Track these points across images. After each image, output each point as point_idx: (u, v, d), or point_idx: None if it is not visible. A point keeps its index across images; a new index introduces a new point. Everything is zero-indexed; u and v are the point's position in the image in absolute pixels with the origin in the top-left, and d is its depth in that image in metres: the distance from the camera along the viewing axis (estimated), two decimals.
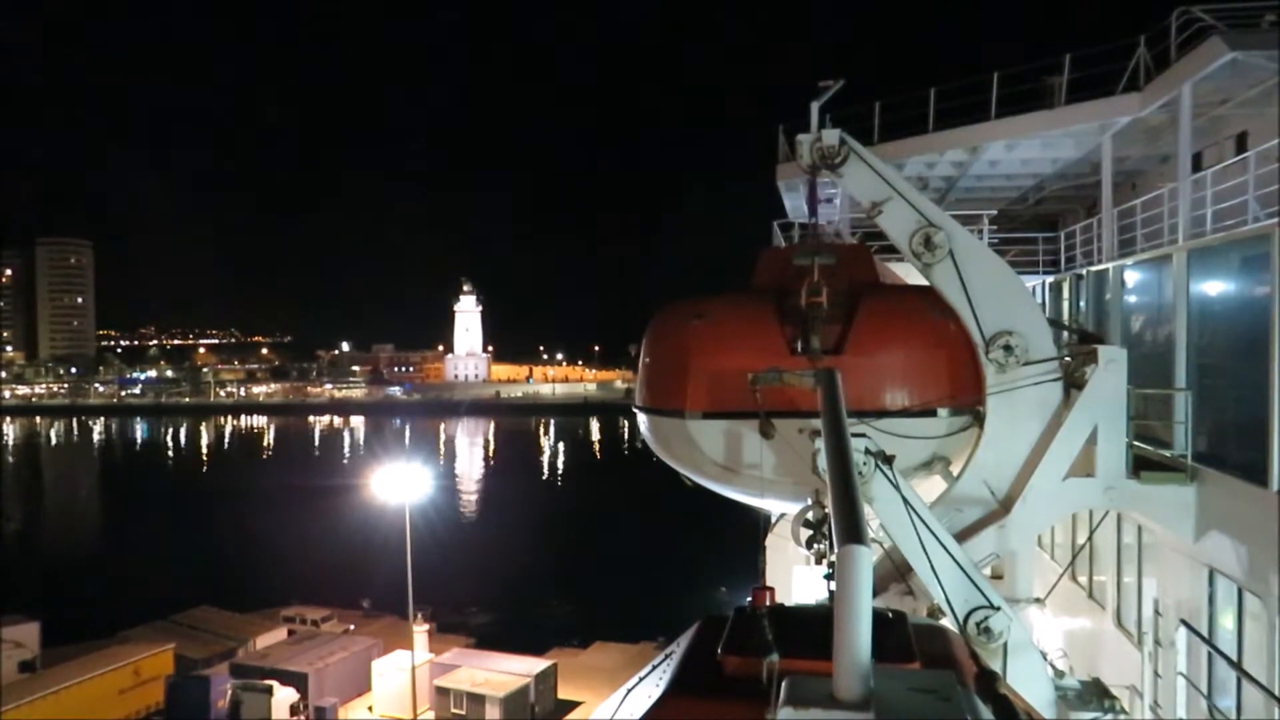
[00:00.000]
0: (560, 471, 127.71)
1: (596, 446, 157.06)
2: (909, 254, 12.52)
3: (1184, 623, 12.56)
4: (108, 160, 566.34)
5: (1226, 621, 11.75)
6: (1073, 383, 12.26)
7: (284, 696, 34.58)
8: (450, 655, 38.24)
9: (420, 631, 36.32)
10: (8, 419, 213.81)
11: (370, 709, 36.88)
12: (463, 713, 34.48)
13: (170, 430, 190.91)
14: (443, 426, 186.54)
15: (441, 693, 35.14)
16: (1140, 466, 12.25)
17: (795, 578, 17.56)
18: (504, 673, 35.83)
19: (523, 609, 52.75)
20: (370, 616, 49.30)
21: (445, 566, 56.24)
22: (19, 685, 34.71)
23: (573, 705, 36.79)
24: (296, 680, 35.66)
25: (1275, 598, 10.22)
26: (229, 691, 34.62)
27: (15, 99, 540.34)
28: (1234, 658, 11.44)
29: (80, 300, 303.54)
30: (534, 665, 36.81)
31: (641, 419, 13.97)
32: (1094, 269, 17.70)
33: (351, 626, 46.77)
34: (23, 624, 40.28)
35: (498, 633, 46.58)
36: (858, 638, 3.67)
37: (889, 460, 10.66)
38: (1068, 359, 12.55)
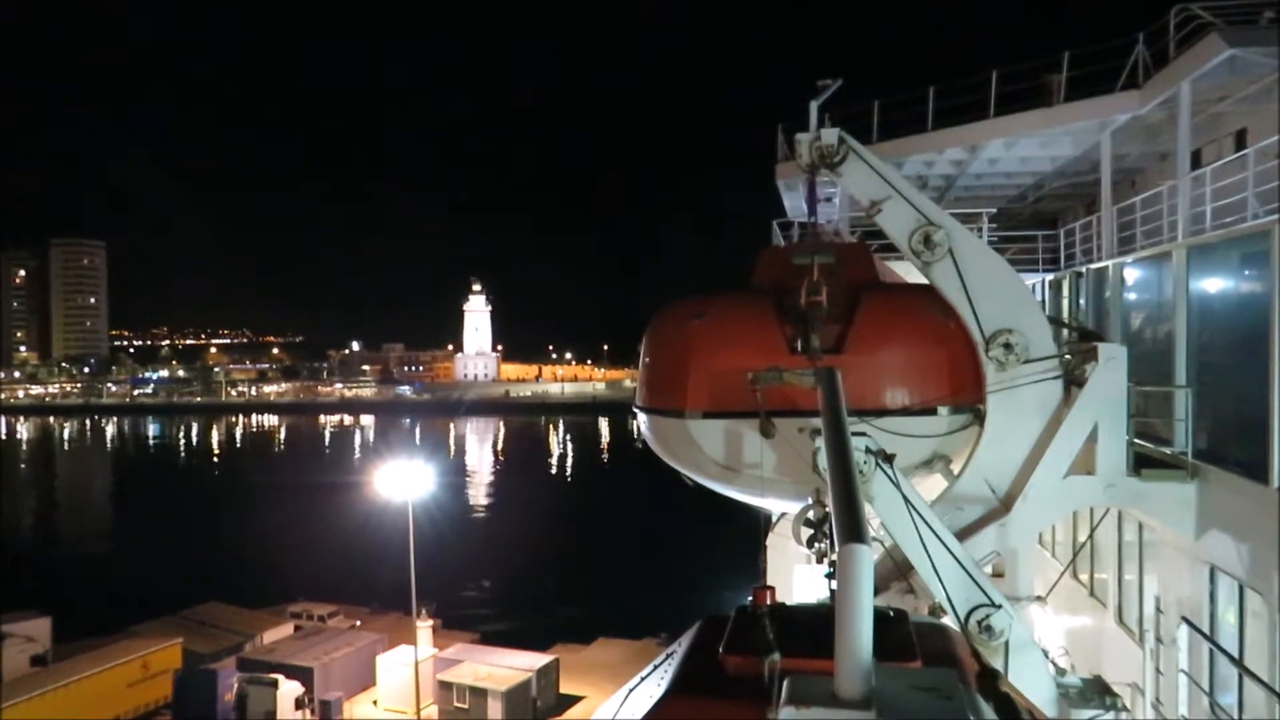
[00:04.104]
0: (567, 470, 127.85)
1: (604, 446, 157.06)
2: (908, 252, 12.52)
3: (1185, 620, 12.54)
4: (121, 162, 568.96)
5: (1228, 618, 11.72)
6: (1073, 380, 12.24)
7: (289, 690, 34.93)
8: (453, 650, 38.49)
9: (424, 627, 36.56)
10: (22, 418, 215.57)
11: (375, 703, 37.15)
12: (465, 707, 34.73)
13: (182, 429, 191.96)
14: (452, 426, 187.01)
15: (444, 687, 35.41)
16: (1141, 464, 12.21)
17: (796, 577, 17.52)
18: (506, 668, 36.06)
19: (527, 606, 52.92)
20: (376, 613, 49.62)
21: (452, 564, 56.51)
22: (30, 679, 35.13)
23: (575, 700, 37.01)
24: (302, 674, 35.99)
25: (1276, 595, 10.19)
26: (235, 685, 34.97)
27: (27, 99, 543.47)
28: (1235, 655, 11.42)
29: (93, 301, 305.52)
30: (536, 660, 37.05)
31: (642, 418, 14.00)
32: (1094, 266, 17.64)
33: (357, 622, 47.10)
34: (35, 619, 40.78)
35: (502, 629, 46.74)
36: (859, 636, 3.65)
37: (889, 459, 10.66)
38: (1068, 357, 12.52)
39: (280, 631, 43.89)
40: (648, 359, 13.76)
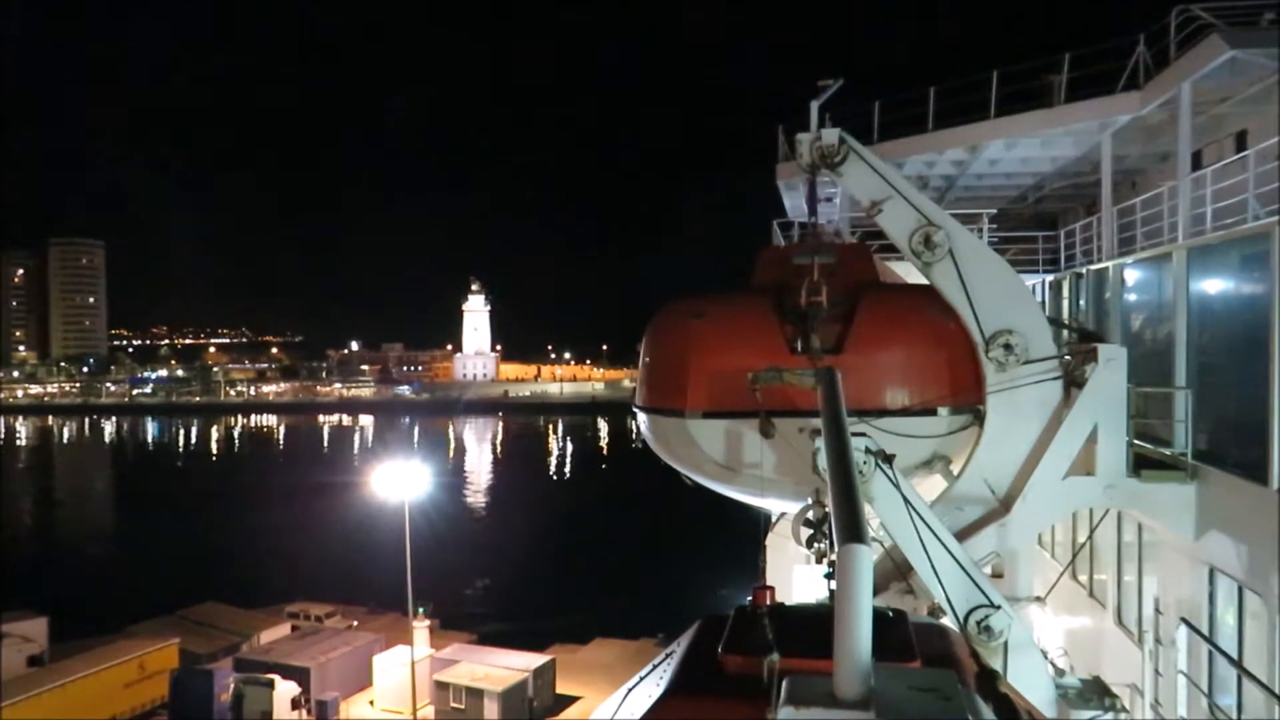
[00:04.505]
0: (565, 470, 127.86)
1: (603, 446, 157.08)
2: (909, 253, 12.52)
3: (1184, 621, 12.54)
4: (119, 161, 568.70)
5: (1227, 620, 11.73)
6: (1073, 381, 12.24)
7: (285, 690, 34.89)
8: (450, 650, 38.49)
9: (421, 627, 36.55)
10: (20, 418, 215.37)
11: (371, 703, 37.14)
12: (461, 707, 34.75)
13: (181, 429, 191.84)
14: (451, 426, 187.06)
15: (441, 687, 35.43)
16: (1140, 465, 12.23)
17: (796, 577, 17.52)
18: (503, 668, 36.10)
19: (525, 606, 52.88)
20: (374, 613, 49.59)
21: (450, 564, 56.52)
22: (26, 679, 35.06)
23: (571, 700, 37.03)
24: (298, 675, 35.96)
25: (1275, 596, 10.20)
26: (232, 685, 34.92)
27: (27, 99, 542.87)
28: (1235, 656, 11.42)
29: (92, 300, 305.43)
30: (532, 660, 37.09)
31: (642, 418, 13.99)
32: (1094, 267, 17.66)
33: (355, 623, 47.06)
34: (31, 619, 40.73)
35: (500, 629, 46.70)
36: (858, 636, 3.65)
37: (889, 459, 10.66)
38: (1068, 358, 12.54)
39: (277, 631, 43.86)
40: (647, 359, 13.75)
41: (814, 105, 13.13)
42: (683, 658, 5.84)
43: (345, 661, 37.99)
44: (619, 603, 50.17)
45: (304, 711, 35.37)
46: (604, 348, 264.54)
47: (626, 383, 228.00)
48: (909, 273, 14.34)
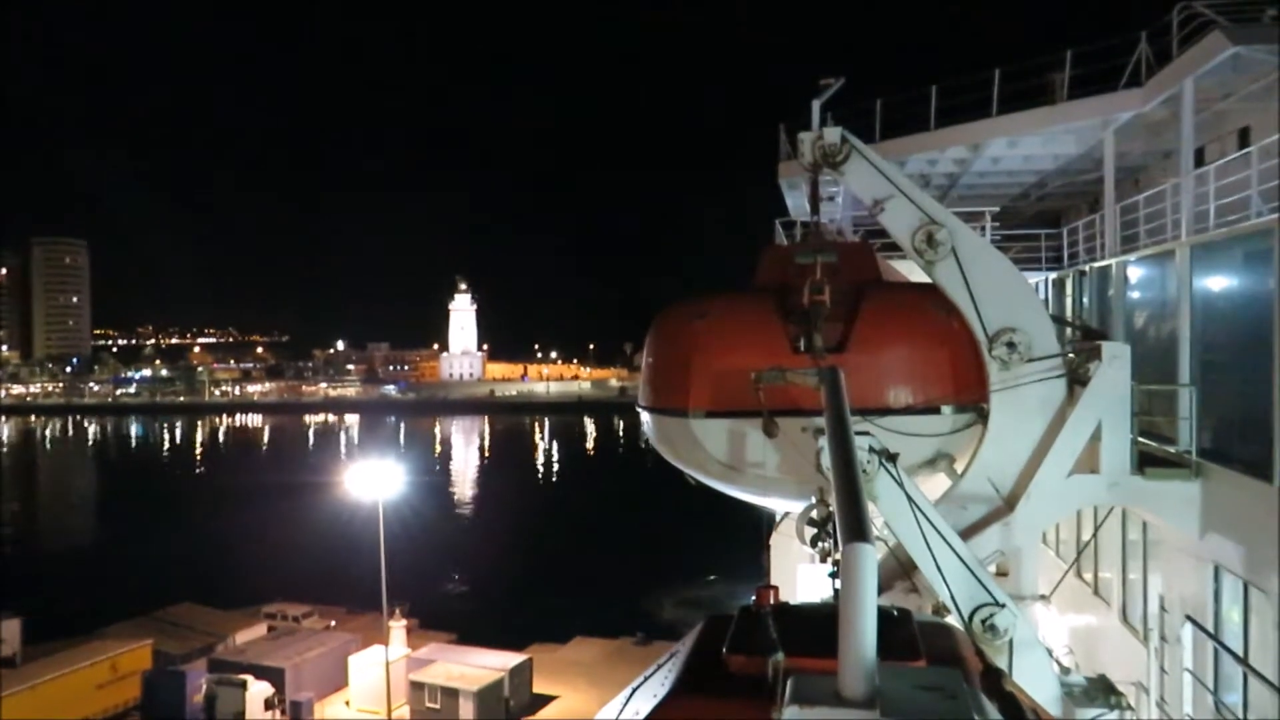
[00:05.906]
0: (552, 470, 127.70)
1: (588, 446, 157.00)
2: (911, 251, 12.49)
3: (1189, 619, 12.53)
4: (103, 160, 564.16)
5: (1232, 617, 11.74)
6: (1076, 379, 12.23)
7: (258, 691, 34.63)
8: (427, 650, 38.38)
9: (397, 627, 36.32)
10: (2, 418, 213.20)
11: (347, 703, 36.86)
12: (437, 707, 34.56)
13: (165, 429, 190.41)
14: (437, 425, 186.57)
15: (416, 687, 35.27)
16: (1145, 462, 12.22)
17: (800, 576, 17.47)
18: (479, 667, 36.01)
19: (506, 605, 52.62)
20: (352, 613, 49.29)
21: (431, 563, 56.32)
22: None
23: (549, 699, 36.89)
24: (273, 675, 35.72)
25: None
26: (204, 686, 34.58)
27: (13, 99, 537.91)
28: (1240, 653, 11.42)
29: (76, 299, 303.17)
30: (509, 660, 37.01)
31: (645, 418, 13.96)
32: (1097, 265, 17.63)
33: (332, 623, 46.80)
34: (4, 620, 40.27)
35: (480, 628, 46.36)
36: (863, 635, 3.62)
37: (893, 458, 10.65)
38: (1071, 355, 12.53)
39: (253, 632, 43.56)
40: (651, 359, 13.73)
41: (816, 104, 13.12)
42: (687, 657, 5.80)
43: (321, 662, 37.76)
44: (599, 601, 50.00)
45: (278, 712, 35.06)
46: (591, 347, 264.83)
47: (613, 382, 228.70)
48: (912, 271, 14.30)
